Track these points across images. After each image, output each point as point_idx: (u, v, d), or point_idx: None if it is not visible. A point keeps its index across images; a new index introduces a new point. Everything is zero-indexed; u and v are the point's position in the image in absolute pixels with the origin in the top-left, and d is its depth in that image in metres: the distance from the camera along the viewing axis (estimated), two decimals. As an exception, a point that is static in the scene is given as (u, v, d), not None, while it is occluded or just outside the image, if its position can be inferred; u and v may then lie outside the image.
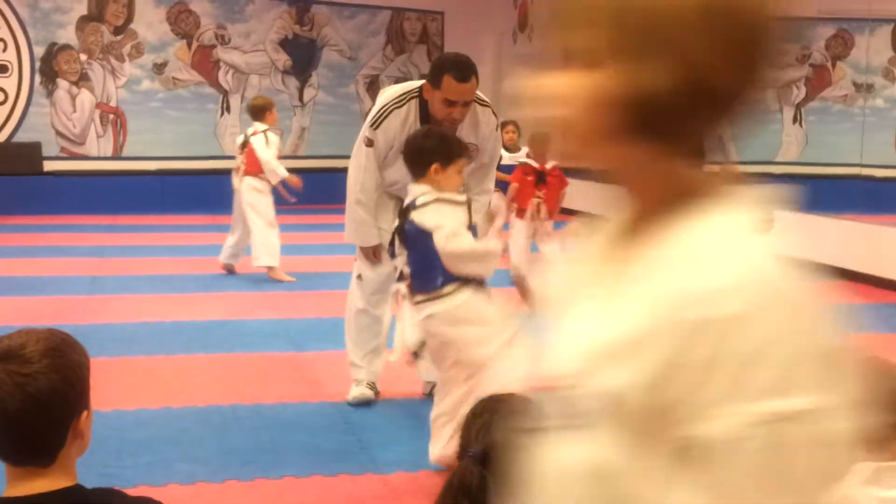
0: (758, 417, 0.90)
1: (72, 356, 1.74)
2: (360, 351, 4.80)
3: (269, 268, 8.16)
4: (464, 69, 4.31)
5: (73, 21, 13.22)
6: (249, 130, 8.38)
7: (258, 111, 8.41)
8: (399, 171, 4.40)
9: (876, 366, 2.19)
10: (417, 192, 3.82)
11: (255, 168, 8.23)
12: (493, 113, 4.59)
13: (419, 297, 3.78)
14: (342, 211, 4.67)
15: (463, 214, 3.82)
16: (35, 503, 1.66)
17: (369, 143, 4.50)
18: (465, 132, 4.47)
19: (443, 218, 3.76)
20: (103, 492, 1.76)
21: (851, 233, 8.61)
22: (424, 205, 3.78)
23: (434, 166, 3.82)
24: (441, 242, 3.72)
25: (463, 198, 3.88)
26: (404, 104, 4.44)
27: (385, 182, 4.60)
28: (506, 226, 8.10)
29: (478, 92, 4.52)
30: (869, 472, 2.15)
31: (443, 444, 3.74)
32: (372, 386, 4.78)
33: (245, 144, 8.31)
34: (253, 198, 8.24)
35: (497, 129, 4.65)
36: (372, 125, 4.48)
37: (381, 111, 4.47)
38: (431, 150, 3.87)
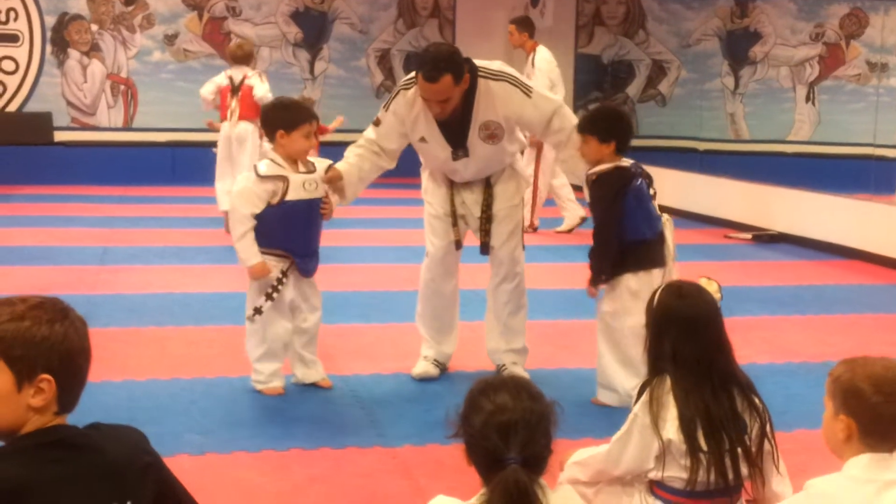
0: None
1: None
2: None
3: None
4: (433, 67, 4.19)
5: (84, -9, 13.18)
6: (237, 74, 8.43)
7: (248, 57, 8.54)
8: (433, 151, 4.48)
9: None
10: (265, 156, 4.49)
11: (250, 112, 8.29)
12: (513, 84, 4.40)
13: None
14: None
15: (260, 190, 4.23)
16: (40, 436, 1.77)
17: (376, 121, 4.54)
18: (481, 111, 4.39)
19: (240, 185, 4.37)
20: (89, 425, 1.86)
21: (864, 213, 8.57)
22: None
23: (279, 132, 4.26)
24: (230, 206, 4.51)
25: (271, 171, 4.26)
26: (411, 87, 4.42)
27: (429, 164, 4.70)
28: None
29: (490, 65, 4.45)
30: (866, 461, 2.14)
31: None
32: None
33: (238, 89, 8.34)
34: (249, 142, 8.33)
35: (529, 95, 4.40)
36: (383, 107, 4.54)
37: (393, 93, 4.52)
38: (275, 117, 4.33)
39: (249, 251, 4.27)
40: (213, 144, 8.86)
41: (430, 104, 4.30)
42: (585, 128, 4.34)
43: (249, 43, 9.08)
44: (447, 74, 4.18)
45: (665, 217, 4.41)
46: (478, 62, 4.42)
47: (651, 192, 4.36)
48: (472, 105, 4.37)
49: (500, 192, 4.65)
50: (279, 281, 4.33)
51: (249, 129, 8.41)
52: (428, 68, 4.19)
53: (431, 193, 4.71)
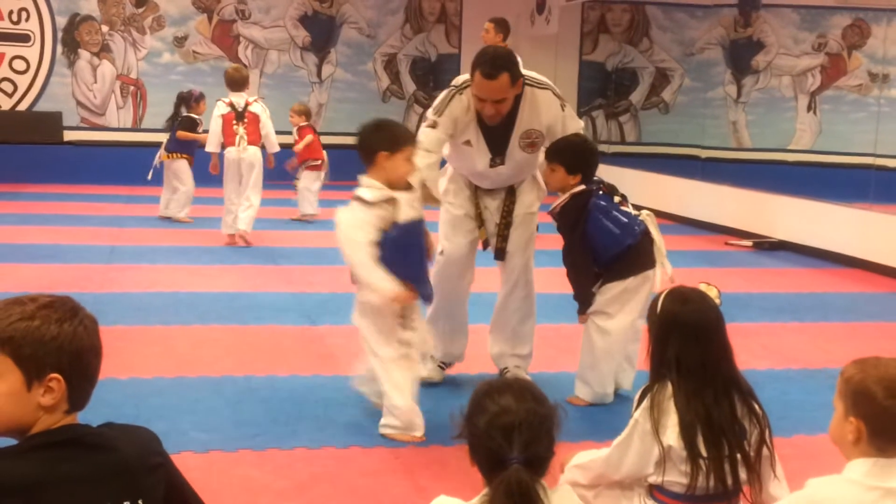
0: None
1: None
2: None
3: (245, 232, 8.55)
4: (492, 66, 4.20)
5: (95, -8, 13.25)
6: (238, 100, 8.59)
7: (246, 81, 8.74)
8: (473, 155, 4.47)
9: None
10: (361, 184, 3.95)
11: (258, 137, 8.57)
12: (555, 94, 4.49)
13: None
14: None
15: (372, 217, 3.83)
16: (51, 435, 1.78)
17: (432, 124, 4.45)
18: (525, 118, 4.42)
19: (346, 216, 3.90)
20: (102, 425, 1.89)
21: (864, 222, 8.62)
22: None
23: (381, 154, 3.89)
24: (340, 241, 3.92)
25: (379, 196, 3.85)
26: (464, 91, 4.41)
27: (464, 171, 4.69)
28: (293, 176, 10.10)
29: (533, 74, 4.49)
30: (869, 466, 2.15)
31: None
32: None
33: (242, 115, 8.50)
34: (258, 167, 8.52)
35: (563, 109, 4.48)
36: (435, 112, 4.44)
37: (446, 97, 4.46)
38: (378, 138, 3.94)
39: (385, 278, 3.82)
40: (221, 147, 8.91)
41: (484, 105, 4.28)
42: (555, 157, 4.40)
43: (245, 68, 9.38)
44: (505, 73, 4.20)
45: (644, 213, 4.46)
46: (522, 70, 4.42)
47: (616, 199, 4.42)
48: (517, 112, 4.39)
49: (521, 199, 4.68)
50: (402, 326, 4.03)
51: (259, 154, 8.58)
52: (487, 66, 4.20)
53: (454, 195, 4.69)
